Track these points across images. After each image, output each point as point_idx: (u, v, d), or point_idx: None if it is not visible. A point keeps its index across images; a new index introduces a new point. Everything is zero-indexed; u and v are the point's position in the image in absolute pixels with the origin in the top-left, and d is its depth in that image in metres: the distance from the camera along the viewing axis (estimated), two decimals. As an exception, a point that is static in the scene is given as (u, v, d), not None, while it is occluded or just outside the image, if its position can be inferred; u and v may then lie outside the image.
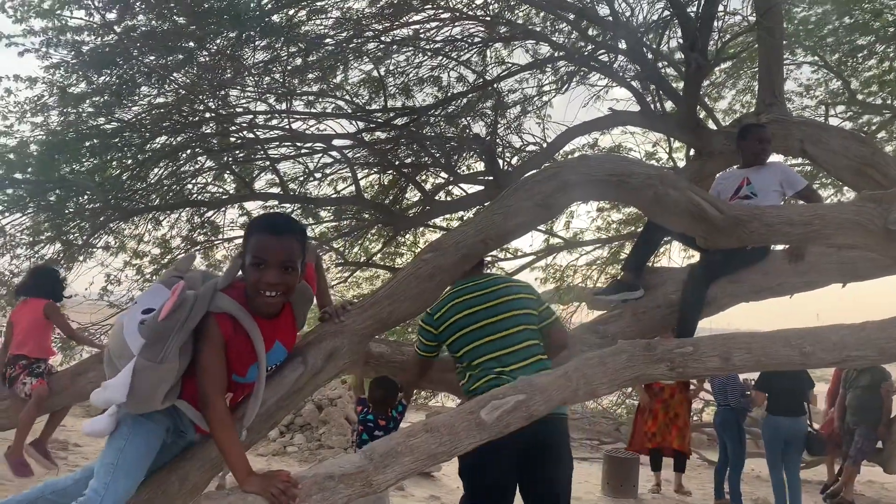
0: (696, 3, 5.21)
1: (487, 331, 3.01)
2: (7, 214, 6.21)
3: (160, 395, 2.12)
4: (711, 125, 6.15)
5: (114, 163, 6.42)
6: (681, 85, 5.60)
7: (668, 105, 5.96)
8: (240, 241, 7.45)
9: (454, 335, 3.05)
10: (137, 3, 5.18)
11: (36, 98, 5.83)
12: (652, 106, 5.85)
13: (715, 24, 5.33)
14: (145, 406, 2.13)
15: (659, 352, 2.54)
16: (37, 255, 6.56)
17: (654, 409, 7.50)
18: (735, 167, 4.05)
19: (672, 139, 7.17)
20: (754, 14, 5.23)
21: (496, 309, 3.04)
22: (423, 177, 7.37)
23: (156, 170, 6.66)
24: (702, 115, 5.96)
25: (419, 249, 5.32)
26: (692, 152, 5.75)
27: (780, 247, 3.82)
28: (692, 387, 7.75)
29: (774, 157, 4.77)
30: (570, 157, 6.70)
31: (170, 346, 2.08)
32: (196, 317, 2.12)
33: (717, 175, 4.21)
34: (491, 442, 2.42)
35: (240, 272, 2.26)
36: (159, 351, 2.08)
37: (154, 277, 7.39)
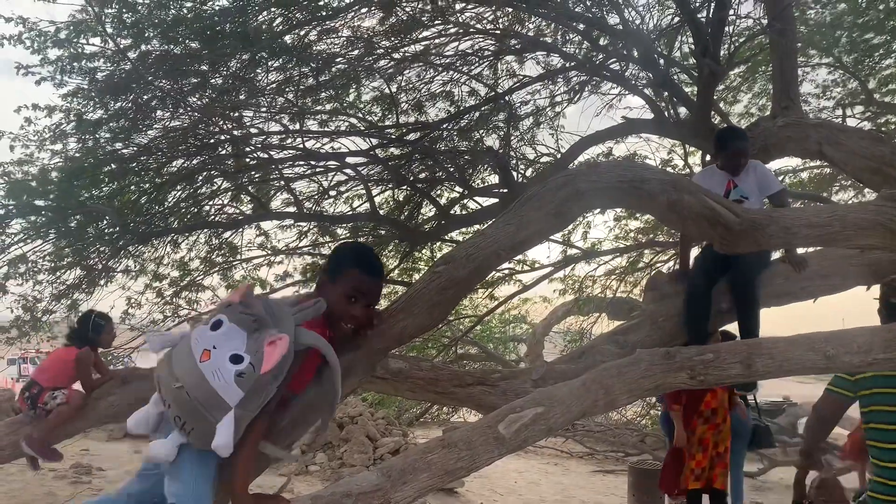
0: (707, 8, 5.18)
1: None
2: (29, 241, 6.29)
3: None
4: (727, 130, 6.09)
5: (132, 187, 6.50)
6: (694, 91, 5.57)
7: (682, 111, 5.93)
8: (257, 260, 7.53)
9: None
10: (150, 29, 5.25)
11: (54, 126, 5.93)
12: (665, 113, 5.82)
13: (726, 28, 5.30)
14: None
15: (678, 360, 2.49)
16: (58, 281, 6.63)
17: (704, 440, 5.73)
18: (714, 166, 3.87)
19: (687, 145, 7.13)
20: (766, 16, 5.19)
21: None
22: (438, 191, 7.38)
23: (173, 193, 6.73)
24: (716, 120, 5.91)
25: (435, 264, 5.34)
26: (707, 158, 5.70)
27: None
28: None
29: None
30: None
31: (266, 398, 2.12)
32: (287, 366, 2.14)
33: (696, 175, 4.12)
34: None
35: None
36: (258, 403, 2.10)
37: (174, 299, 7.45)
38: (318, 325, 2.33)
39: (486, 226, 3.20)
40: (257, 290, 7.44)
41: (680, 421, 5.81)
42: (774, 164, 4.20)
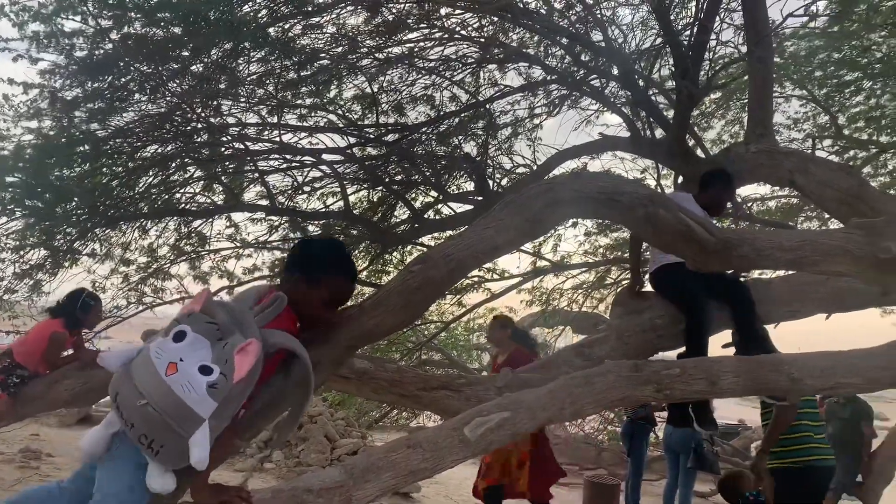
0: (689, 31, 5.27)
1: None
2: (-5, 219, 6.12)
3: None
4: (700, 154, 6.19)
5: (104, 169, 6.37)
6: (671, 113, 5.65)
7: (658, 132, 6.01)
8: (226, 252, 7.43)
9: None
10: (133, 11, 5.16)
11: (30, 102, 5.79)
12: (642, 132, 5.89)
13: (707, 53, 5.39)
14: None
15: (646, 373, 2.52)
16: (22, 260, 6.47)
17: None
18: (691, 196, 3.89)
19: (661, 166, 7.23)
20: (746, 44, 5.30)
21: None
22: (413, 195, 7.37)
23: (145, 178, 6.61)
24: (690, 143, 6.01)
25: (407, 266, 5.31)
26: (680, 179, 5.78)
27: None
28: None
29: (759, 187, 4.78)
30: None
31: (239, 406, 2.09)
32: (258, 371, 2.09)
33: (672, 196, 4.19)
34: None
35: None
36: (231, 412, 2.07)
37: (140, 287, 7.32)
38: (286, 319, 2.29)
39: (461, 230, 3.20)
40: (224, 283, 7.35)
41: None
42: (744, 191, 4.26)
